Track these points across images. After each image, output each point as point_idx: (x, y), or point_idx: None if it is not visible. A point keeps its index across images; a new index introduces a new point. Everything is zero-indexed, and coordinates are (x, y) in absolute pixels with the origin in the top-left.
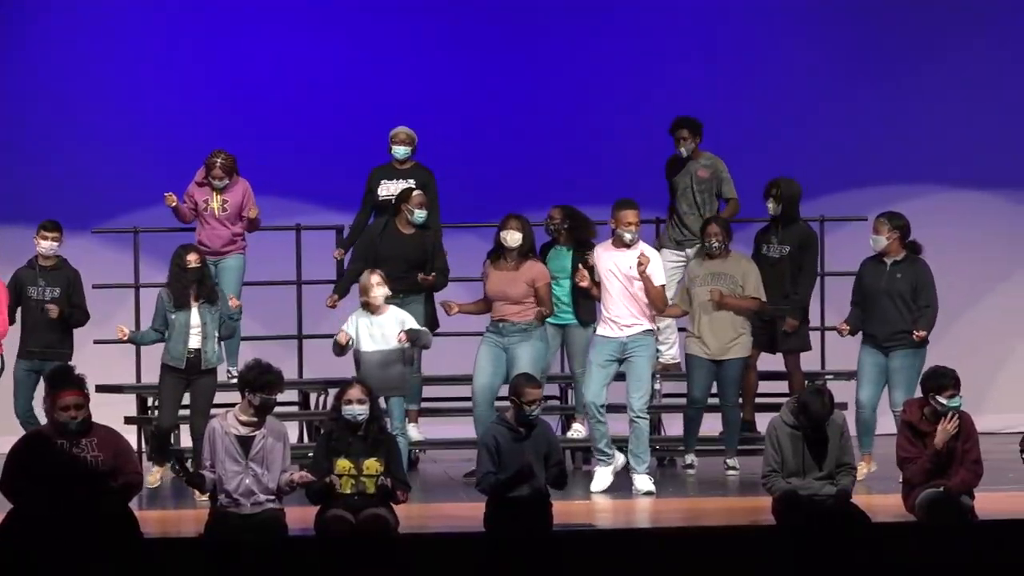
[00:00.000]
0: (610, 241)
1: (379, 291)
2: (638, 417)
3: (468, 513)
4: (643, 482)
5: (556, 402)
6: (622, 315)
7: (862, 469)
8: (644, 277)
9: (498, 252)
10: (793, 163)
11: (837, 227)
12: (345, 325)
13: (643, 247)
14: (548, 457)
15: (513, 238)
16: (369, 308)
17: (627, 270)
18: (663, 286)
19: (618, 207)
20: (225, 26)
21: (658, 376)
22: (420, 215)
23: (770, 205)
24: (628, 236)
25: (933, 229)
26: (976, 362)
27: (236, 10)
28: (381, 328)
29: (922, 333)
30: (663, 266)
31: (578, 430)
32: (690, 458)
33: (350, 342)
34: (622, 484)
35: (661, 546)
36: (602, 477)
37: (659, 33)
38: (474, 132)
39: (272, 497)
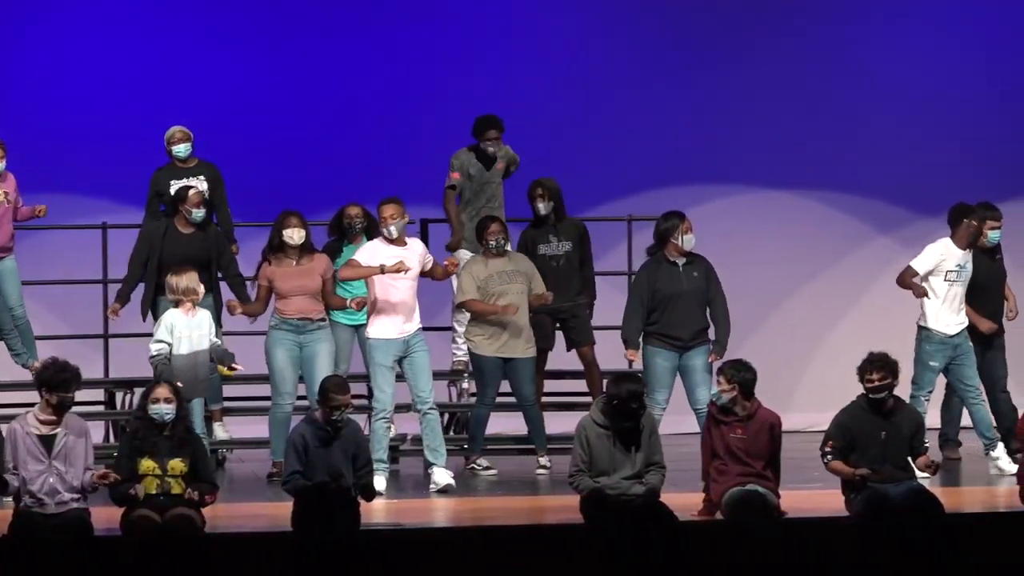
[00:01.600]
0: (378, 242)
1: (201, 290)
2: (431, 410)
3: (275, 512)
4: (442, 475)
5: (365, 401)
6: (407, 313)
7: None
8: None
9: (277, 250)
10: (597, 163)
11: (644, 226)
12: (160, 334)
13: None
14: (356, 458)
15: (299, 235)
16: (184, 309)
17: (413, 266)
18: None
19: (380, 205)
20: (25, 19)
21: (466, 375)
22: (199, 214)
23: (540, 206)
24: (393, 230)
25: (741, 227)
26: (782, 362)
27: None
28: (198, 329)
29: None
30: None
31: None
32: (484, 461)
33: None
34: (429, 481)
35: (470, 544)
36: (380, 483)
37: (453, 31)
38: (254, 130)
39: (77, 496)
